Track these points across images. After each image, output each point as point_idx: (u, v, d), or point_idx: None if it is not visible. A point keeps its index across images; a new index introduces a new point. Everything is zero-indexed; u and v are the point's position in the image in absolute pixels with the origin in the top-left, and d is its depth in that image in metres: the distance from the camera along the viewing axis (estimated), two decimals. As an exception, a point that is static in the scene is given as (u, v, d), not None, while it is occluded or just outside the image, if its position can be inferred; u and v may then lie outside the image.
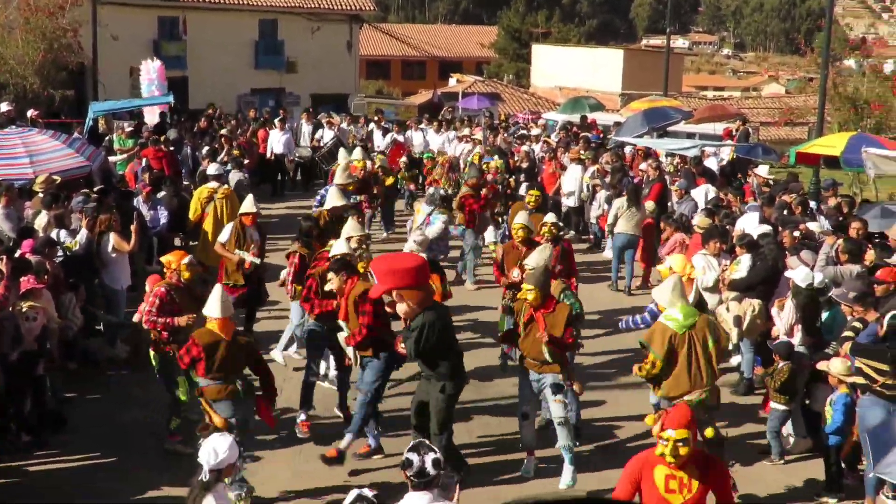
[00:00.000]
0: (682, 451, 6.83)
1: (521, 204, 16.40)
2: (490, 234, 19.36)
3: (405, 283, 9.31)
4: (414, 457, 6.55)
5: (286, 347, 13.61)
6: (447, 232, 17.30)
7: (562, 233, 14.24)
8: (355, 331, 10.27)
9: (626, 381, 13.05)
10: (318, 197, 17.80)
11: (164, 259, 11.64)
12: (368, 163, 20.73)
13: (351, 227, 12.49)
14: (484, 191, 18.57)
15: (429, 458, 6.53)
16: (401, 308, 9.44)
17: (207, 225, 17.31)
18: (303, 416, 11.25)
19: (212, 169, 19.13)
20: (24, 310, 10.74)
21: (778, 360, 10.97)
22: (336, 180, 17.42)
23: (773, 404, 11.01)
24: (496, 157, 22.44)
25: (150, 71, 30.20)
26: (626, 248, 18.23)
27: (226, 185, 18.72)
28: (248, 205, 14.43)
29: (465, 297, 16.95)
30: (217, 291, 9.65)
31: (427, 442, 7.10)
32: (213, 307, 9.44)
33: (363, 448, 10.72)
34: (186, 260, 11.03)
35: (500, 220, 19.82)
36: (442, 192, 17.58)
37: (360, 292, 10.24)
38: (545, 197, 17.43)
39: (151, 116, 28.48)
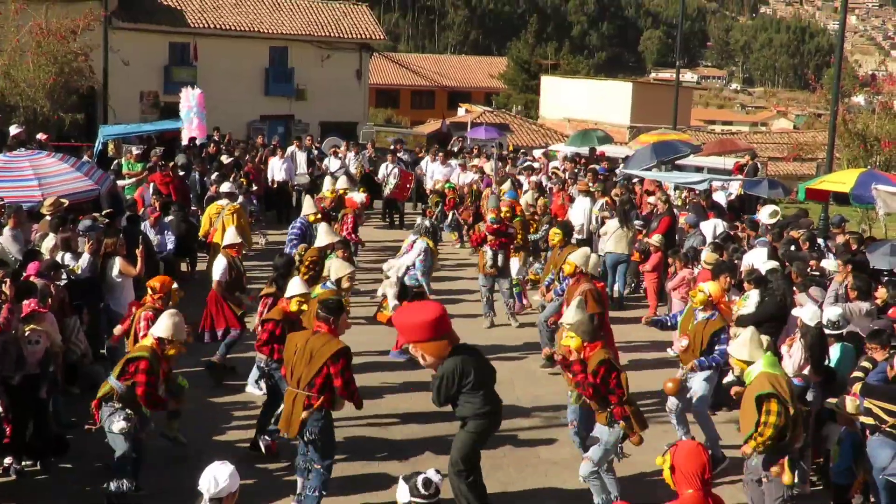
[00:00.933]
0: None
1: (570, 248, 15.36)
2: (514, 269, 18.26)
3: (424, 336, 9.30)
4: (403, 484, 6.52)
5: (257, 380, 13.16)
6: (429, 255, 16.34)
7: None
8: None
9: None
10: (290, 235, 17.37)
11: (149, 283, 11.71)
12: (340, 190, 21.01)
13: (338, 268, 12.27)
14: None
15: (419, 479, 6.48)
16: (422, 361, 9.48)
17: (217, 239, 18.17)
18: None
19: (224, 187, 20.10)
20: (26, 333, 10.69)
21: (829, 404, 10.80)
22: (304, 211, 17.62)
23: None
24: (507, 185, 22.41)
25: (190, 98, 30.41)
26: (617, 264, 19.43)
27: (235, 203, 19.01)
28: (231, 236, 14.43)
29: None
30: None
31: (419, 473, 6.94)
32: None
33: None
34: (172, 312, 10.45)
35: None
36: (428, 223, 17.44)
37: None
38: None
39: (191, 130, 29.38)
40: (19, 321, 10.73)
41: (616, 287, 19.35)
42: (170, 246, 18.54)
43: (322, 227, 15.44)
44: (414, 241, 16.51)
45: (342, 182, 20.91)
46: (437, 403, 9.51)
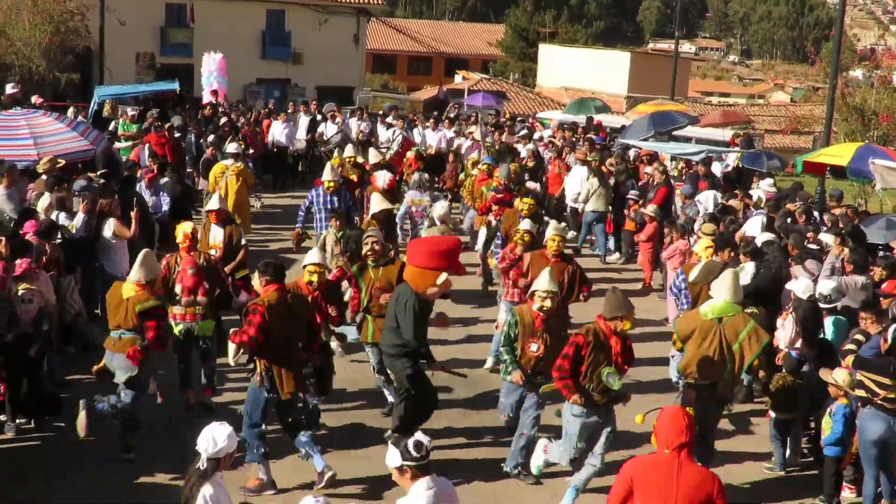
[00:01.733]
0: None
1: (513, 211, 15.88)
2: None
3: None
4: (393, 448, 6.52)
5: None
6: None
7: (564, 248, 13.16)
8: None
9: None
10: (306, 202, 17.00)
11: (180, 233, 11.83)
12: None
13: (312, 256, 11.30)
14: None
15: (410, 442, 6.48)
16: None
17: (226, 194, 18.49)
18: None
19: (231, 147, 20.02)
20: (19, 292, 10.66)
21: (782, 375, 10.89)
22: (324, 177, 16.85)
23: (771, 413, 10.96)
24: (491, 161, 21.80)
25: (211, 63, 30.34)
26: (596, 222, 20.81)
27: (239, 163, 19.15)
28: (214, 202, 14.29)
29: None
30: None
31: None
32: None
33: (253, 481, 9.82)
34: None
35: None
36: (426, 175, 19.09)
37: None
38: (540, 204, 17.47)
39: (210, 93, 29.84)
40: (13, 280, 10.71)
41: (587, 240, 21.58)
42: (165, 207, 18.47)
43: (375, 197, 15.31)
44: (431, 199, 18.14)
45: (349, 150, 20.49)
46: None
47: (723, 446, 11.10)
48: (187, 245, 11.71)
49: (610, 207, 20.73)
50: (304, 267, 11.04)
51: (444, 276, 10.33)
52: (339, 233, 14.39)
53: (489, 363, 13.56)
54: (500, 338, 10.93)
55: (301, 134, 26.88)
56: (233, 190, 18.53)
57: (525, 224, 13.48)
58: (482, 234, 17.85)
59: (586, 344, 9.30)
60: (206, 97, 29.62)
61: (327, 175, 16.68)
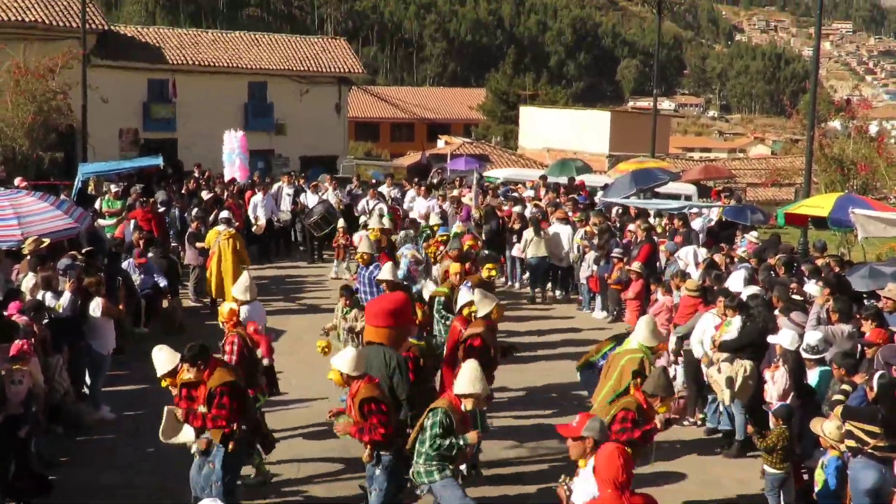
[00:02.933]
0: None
1: (477, 277, 15.13)
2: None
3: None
4: None
5: None
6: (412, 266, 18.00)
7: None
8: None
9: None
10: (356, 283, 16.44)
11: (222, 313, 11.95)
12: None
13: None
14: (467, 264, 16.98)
15: None
16: None
17: (213, 263, 19.38)
18: None
19: (223, 214, 20.69)
20: (9, 373, 10.62)
21: (775, 423, 10.86)
22: (361, 249, 16.39)
23: (766, 468, 10.91)
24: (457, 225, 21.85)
25: (233, 140, 30.58)
26: (539, 267, 22.35)
27: (231, 228, 19.78)
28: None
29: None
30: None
31: None
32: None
33: None
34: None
35: None
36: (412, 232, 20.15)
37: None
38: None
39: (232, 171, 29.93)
40: (5, 360, 10.68)
41: (539, 289, 22.57)
42: (162, 283, 18.60)
43: (386, 267, 14.43)
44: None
45: (375, 221, 20.18)
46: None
47: (715, 495, 11.12)
48: (235, 320, 11.76)
49: (595, 266, 20.79)
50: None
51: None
52: (345, 309, 14.45)
53: None
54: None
55: (285, 205, 26.80)
56: (227, 254, 18.98)
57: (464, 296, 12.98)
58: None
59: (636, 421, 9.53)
60: (228, 175, 29.67)
61: (363, 247, 16.31)
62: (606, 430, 8.13)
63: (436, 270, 18.85)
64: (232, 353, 11.27)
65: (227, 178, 29.00)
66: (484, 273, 15.35)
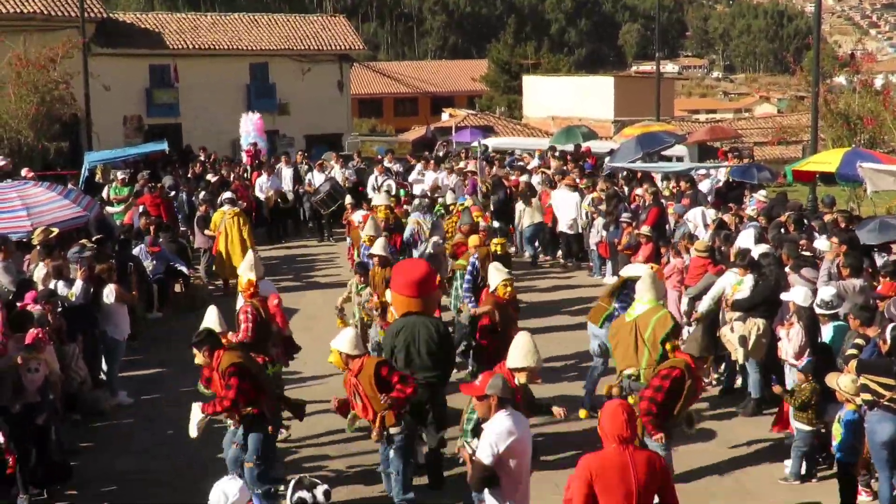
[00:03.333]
0: None
1: (485, 250, 15.24)
2: None
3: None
4: (305, 494, 6.58)
5: None
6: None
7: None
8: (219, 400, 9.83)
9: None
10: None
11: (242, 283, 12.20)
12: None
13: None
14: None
15: (319, 491, 6.56)
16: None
17: (220, 244, 19.79)
18: None
19: (226, 195, 21.17)
20: (28, 360, 10.69)
21: (803, 380, 10.82)
22: (366, 232, 16.42)
23: (796, 424, 10.87)
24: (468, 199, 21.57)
25: (248, 123, 30.71)
26: (536, 234, 22.95)
27: (235, 207, 20.13)
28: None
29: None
30: None
31: (308, 476, 7.09)
32: None
33: None
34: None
35: None
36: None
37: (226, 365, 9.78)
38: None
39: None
40: (20, 349, 10.73)
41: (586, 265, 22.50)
42: (181, 267, 18.74)
43: (379, 242, 14.91)
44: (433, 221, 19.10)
45: (382, 199, 19.60)
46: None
47: (733, 454, 11.18)
48: (252, 290, 11.94)
49: (604, 232, 20.78)
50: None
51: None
52: (360, 286, 14.43)
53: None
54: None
55: (287, 185, 26.78)
56: (235, 232, 19.16)
57: (496, 274, 12.80)
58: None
59: (681, 380, 9.62)
60: (245, 157, 30.14)
61: (369, 230, 16.30)
62: (509, 387, 8.02)
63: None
64: (247, 322, 11.51)
65: (245, 160, 29.20)
66: (492, 247, 15.39)
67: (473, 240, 15.50)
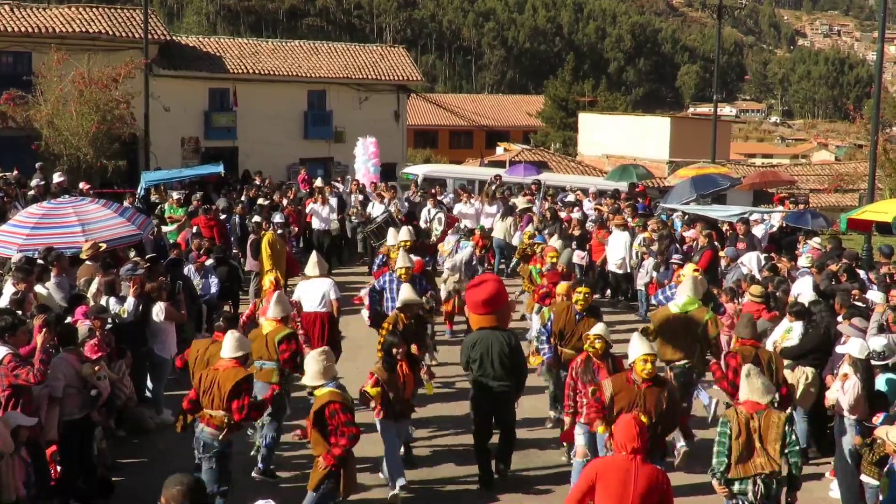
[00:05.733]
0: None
1: (565, 304, 13.77)
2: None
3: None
4: None
5: None
6: (473, 257, 19.72)
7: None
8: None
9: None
10: (376, 286, 16.09)
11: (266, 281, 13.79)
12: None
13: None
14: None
15: None
16: None
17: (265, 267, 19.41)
18: None
19: (277, 217, 21.83)
20: (96, 371, 10.88)
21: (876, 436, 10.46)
22: (399, 264, 15.62)
23: (866, 479, 10.58)
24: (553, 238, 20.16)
25: (366, 148, 31.36)
26: (503, 248, 24.62)
27: (269, 231, 20.60)
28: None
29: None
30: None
31: None
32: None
33: None
34: None
35: None
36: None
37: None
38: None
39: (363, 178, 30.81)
40: (82, 362, 10.89)
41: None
42: (213, 289, 18.71)
43: (404, 288, 14.13)
44: (458, 241, 20.00)
45: (404, 234, 18.60)
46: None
47: None
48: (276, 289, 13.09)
49: (654, 272, 20.60)
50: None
51: None
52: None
53: None
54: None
55: (333, 214, 26.37)
56: (265, 256, 19.16)
57: (597, 328, 11.63)
58: (535, 321, 16.04)
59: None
60: (363, 180, 30.46)
61: (402, 262, 15.58)
62: None
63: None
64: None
65: (365, 184, 29.90)
66: (574, 298, 13.47)
67: (562, 287, 14.32)
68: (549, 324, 13.48)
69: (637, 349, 9.98)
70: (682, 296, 12.97)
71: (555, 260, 17.07)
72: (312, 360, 9.54)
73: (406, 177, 32.88)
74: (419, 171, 36.03)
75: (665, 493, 7.77)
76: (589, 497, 7.72)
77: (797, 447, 9.26)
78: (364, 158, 31.36)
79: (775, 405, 10.13)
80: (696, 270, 15.28)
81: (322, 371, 9.45)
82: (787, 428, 9.17)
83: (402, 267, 15.37)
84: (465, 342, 12.48)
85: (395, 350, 11.24)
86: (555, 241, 18.42)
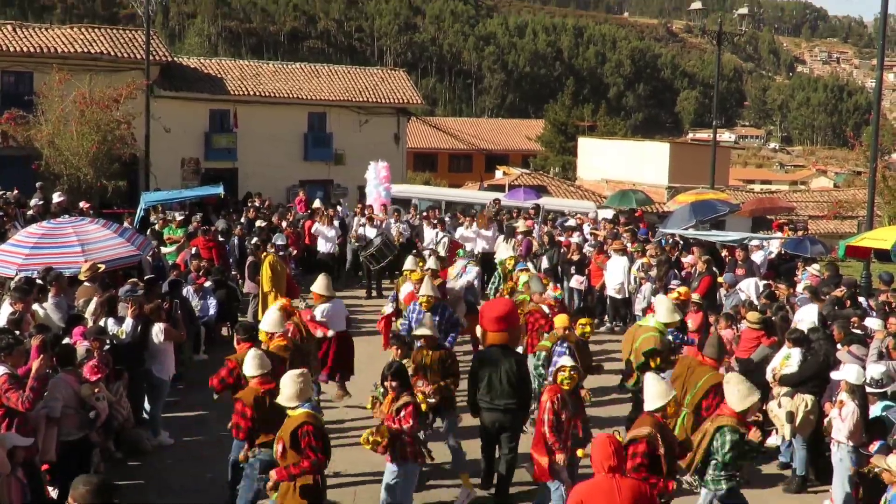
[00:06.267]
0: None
1: (574, 335, 13.75)
2: None
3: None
4: None
5: None
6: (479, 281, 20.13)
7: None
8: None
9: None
10: (403, 323, 15.47)
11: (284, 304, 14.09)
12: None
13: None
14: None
15: None
16: None
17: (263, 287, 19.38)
18: None
19: (279, 240, 21.51)
20: (95, 393, 10.84)
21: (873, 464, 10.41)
22: (423, 292, 15.11)
23: None
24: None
25: (376, 172, 31.37)
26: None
27: (269, 252, 20.20)
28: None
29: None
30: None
31: None
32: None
33: None
34: None
35: None
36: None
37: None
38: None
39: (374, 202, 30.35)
40: (81, 382, 10.86)
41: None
42: (211, 311, 18.72)
43: (426, 318, 13.66)
44: (466, 265, 19.82)
45: (410, 263, 18.33)
46: None
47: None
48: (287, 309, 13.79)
49: (652, 297, 20.55)
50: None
51: None
52: (380, 391, 12.13)
53: None
54: None
55: (332, 234, 26.25)
56: (266, 276, 19.02)
57: (569, 360, 11.38)
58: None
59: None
60: (375, 205, 29.69)
61: (425, 289, 15.03)
62: None
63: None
64: (296, 335, 13.25)
65: (376, 208, 29.07)
66: (578, 330, 13.82)
67: (562, 320, 13.98)
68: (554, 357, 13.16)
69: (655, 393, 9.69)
70: (651, 316, 13.85)
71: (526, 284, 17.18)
72: (290, 382, 9.48)
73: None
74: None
75: (650, 502, 8.03)
76: None
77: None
78: (376, 182, 31.27)
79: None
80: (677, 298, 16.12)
81: (298, 393, 9.42)
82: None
83: (424, 295, 14.93)
84: (474, 357, 13.07)
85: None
86: (533, 280, 17.29)
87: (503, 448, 12.15)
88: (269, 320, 12.39)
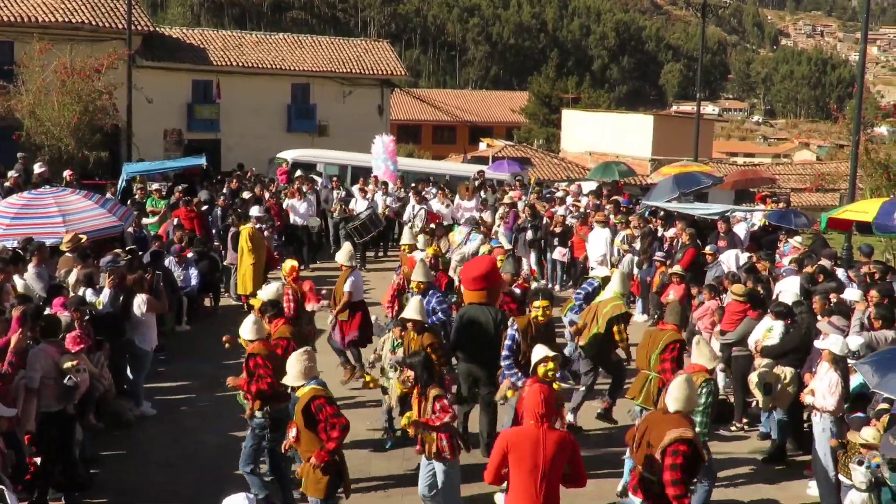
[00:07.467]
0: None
1: (524, 319, 12.30)
2: None
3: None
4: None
5: None
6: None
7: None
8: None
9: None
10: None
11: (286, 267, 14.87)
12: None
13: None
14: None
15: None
16: None
17: (240, 259, 19.96)
18: None
19: (254, 210, 21.82)
20: (74, 363, 10.75)
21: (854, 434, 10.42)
22: (415, 277, 14.20)
23: (843, 478, 10.53)
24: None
25: (381, 145, 31.25)
26: None
27: (248, 225, 20.29)
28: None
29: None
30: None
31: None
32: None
33: None
34: None
35: None
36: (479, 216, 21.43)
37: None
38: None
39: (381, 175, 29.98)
40: (63, 354, 10.81)
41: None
42: (193, 282, 18.68)
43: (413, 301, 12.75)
44: (469, 233, 19.97)
45: (406, 237, 18.24)
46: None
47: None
48: (295, 275, 14.53)
49: (636, 269, 20.69)
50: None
51: None
52: (397, 341, 12.54)
53: None
54: None
55: (313, 210, 26.04)
56: (247, 249, 19.21)
57: (544, 351, 9.97)
58: None
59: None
60: (382, 177, 29.40)
61: (418, 274, 14.10)
62: None
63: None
64: (290, 302, 13.81)
65: (381, 179, 28.99)
66: (534, 313, 12.20)
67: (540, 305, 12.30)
68: (510, 342, 11.93)
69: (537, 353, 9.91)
70: (606, 291, 14.00)
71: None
72: (296, 361, 9.38)
73: (278, 161, 32.67)
74: (289, 155, 34.28)
75: (573, 453, 8.12)
76: (504, 466, 8.03)
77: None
78: (384, 157, 31.10)
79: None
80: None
81: (304, 371, 9.34)
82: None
83: (416, 280, 14.04)
84: (457, 314, 13.29)
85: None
86: (507, 261, 16.51)
87: (481, 391, 12.56)
88: (247, 329, 10.70)
